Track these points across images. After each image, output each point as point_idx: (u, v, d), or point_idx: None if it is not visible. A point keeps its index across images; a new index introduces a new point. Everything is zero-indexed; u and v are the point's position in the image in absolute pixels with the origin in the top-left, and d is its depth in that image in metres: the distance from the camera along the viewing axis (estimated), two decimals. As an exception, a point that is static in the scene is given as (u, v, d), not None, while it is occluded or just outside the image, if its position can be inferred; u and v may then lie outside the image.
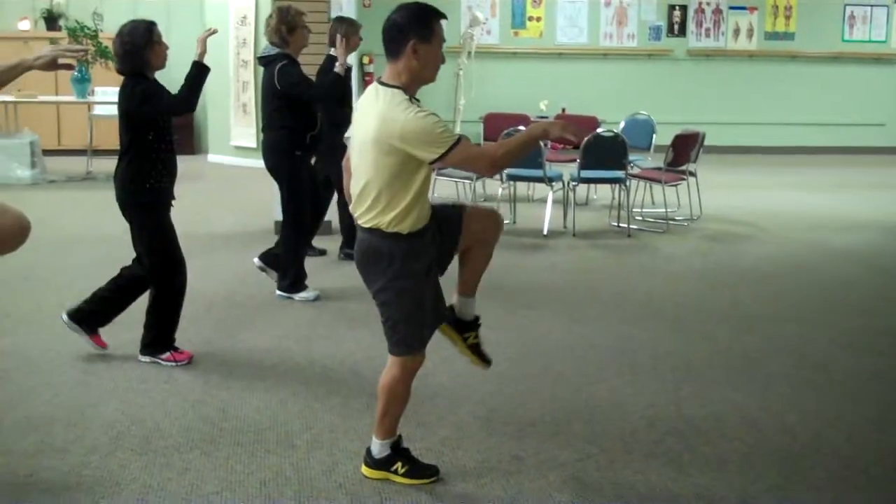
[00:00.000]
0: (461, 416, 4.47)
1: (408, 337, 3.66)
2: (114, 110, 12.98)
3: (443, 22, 3.53)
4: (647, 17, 15.62)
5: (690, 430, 4.36)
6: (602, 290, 6.92)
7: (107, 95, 11.73)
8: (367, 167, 3.49)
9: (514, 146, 3.54)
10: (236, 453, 4.01)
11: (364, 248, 3.62)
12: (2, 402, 4.53)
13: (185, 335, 5.45)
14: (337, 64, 6.45)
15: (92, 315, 5.13)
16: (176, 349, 5.12)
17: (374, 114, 3.45)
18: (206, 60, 5.06)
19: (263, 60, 6.32)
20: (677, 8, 15.66)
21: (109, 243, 7.81)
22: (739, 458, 4.09)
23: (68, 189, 11.00)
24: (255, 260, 6.67)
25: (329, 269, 7.24)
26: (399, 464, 3.78)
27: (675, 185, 9.50)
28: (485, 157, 3.50)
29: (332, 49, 7.09)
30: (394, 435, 3.81)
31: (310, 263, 6.70)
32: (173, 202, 5.07)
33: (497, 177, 9.21)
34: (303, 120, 6.28)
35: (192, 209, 9.74)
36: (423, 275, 3.64)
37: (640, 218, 9.55)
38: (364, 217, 3.57)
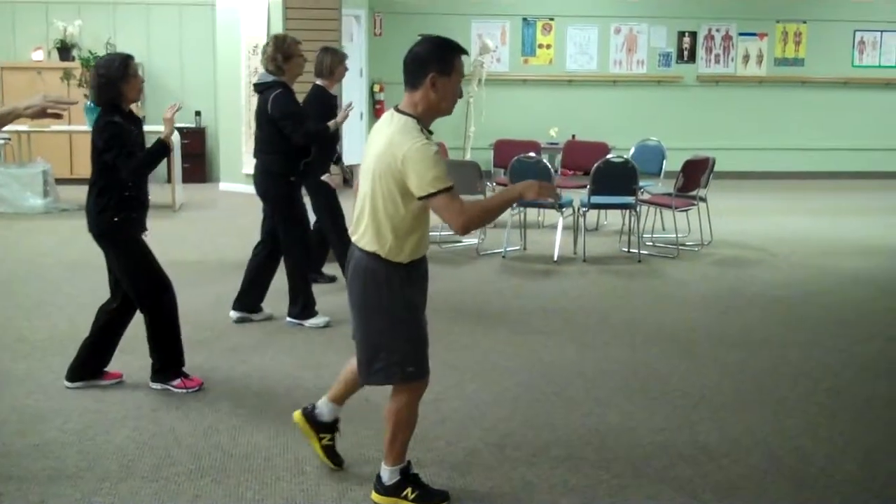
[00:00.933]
0: (472, 441, 4.46)
1: (416, 361, 3.67)
2: None
3: (463, 57, 3.60)
4: (657, 43, 15.68)
5: (702, 455, 4.34)
6: (612, 315, 6.92)
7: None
8: (368, 188, 3.55)
9: (490, 208, 3.56)
10: (247, 480, 4.01)
11: (361, 268, 3.63)
12: (14, 427, 4.54)
13: (196, 361, 5.47)
14: (332, 122, 6.55)
15: (88, 365, 5.15)
16: (186, 375, 5.13)
17: (384, 135, 3.52)
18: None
19: (259, 88, 6.34)
20: (687, 34, 15.71)
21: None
22: (752, 484, 4.07)
23: (80, 217, 10.91)
24: (231, 313, 6.55)
25: (339, 296, 7.24)
26: (409, 489, 3.78)
27: (686, 211, 9.50)
28: (462, 216, 3.46)
29: (319, 80, 7.15)
30: (403, 461, 3.82)
31: (319, 290, 6.71)
32: (146, 234, 5.10)
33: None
34: (297, 146, 6.28)
35: (203, 237, 9.80)
36: (419, 306, 3.71)
37: (650, 243, 9.55)
38: (362, 239, 3.61)
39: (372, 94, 14.80)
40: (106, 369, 5.19)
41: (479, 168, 9.11)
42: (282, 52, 6.22)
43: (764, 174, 15.66)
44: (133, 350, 5.37)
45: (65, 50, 13.75)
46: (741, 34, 15.84)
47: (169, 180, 12.22)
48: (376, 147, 3.53)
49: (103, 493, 3.86)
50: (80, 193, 11.34)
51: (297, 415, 4.11)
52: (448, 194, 3.43)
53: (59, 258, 7.36)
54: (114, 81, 4.82)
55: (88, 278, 7.45)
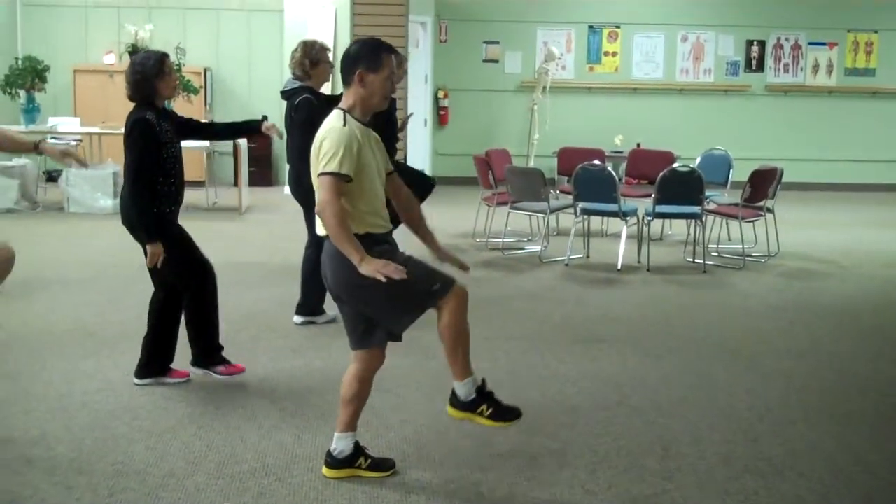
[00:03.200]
0: (533, 447, 4.45)
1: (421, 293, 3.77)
2: (194, 142, 13.21)
3: (394, 57, 3.88)
4: (725, 52, 15.53)
5: (767, 467, 4.29)
6: (676, 325, 6.86)
7: (188, 128, 12.01)
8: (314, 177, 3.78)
9: (341, 234, 3.61)
10: (310, 480, 4.04)
11: (326, 254, 3.84)
12: (84, 423, 4.64)
13: (260, 361, 5.55)
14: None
15: (154, 363, 5.24)
16: (228, 362, 5.25)
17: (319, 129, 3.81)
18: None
19: (285, 94, 6.36)
20: (755, 43, 15.55)
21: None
22: (817, 497, 4.01)
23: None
24: (295, 318, 6.59)
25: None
26: (362, 459, 4.00)
27: (753, 222, 9.39)
28: (329, 205, 3.61)
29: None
30: (353, 428, 3.98)
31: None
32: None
33: (571, 210, 9.21)
34: (308, 148, 6.20)
35: (267, 240, 9.92)
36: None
37: (716, 254, 9.45)
38: (320, 228, 3.79)
39: (436, 100, 14.86)
40: (172, 367, 5.28)
41: (542, 175, 9.10)
42: (309, 57, 6.25)
43: (832, 185, 15.42)
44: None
45: (135, 54, 13.96)
46: (811, 43, 15.63)
47: (236, 183, 12.39)
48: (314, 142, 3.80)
49: (170, 488, 3.92)
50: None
51: (449, 410, 4.01)
52: (331, 178, 3.62)
53: (128, 257, 7.46)
54: (149, 78, 4.94)
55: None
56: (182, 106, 11.53)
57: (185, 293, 5.18)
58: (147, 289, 5.28)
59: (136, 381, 5.21)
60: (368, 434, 4.44)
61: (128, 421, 4.68)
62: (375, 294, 3.69)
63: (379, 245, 3.79)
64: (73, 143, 12.51)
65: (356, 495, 3.91)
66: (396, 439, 4.52)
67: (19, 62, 11.96)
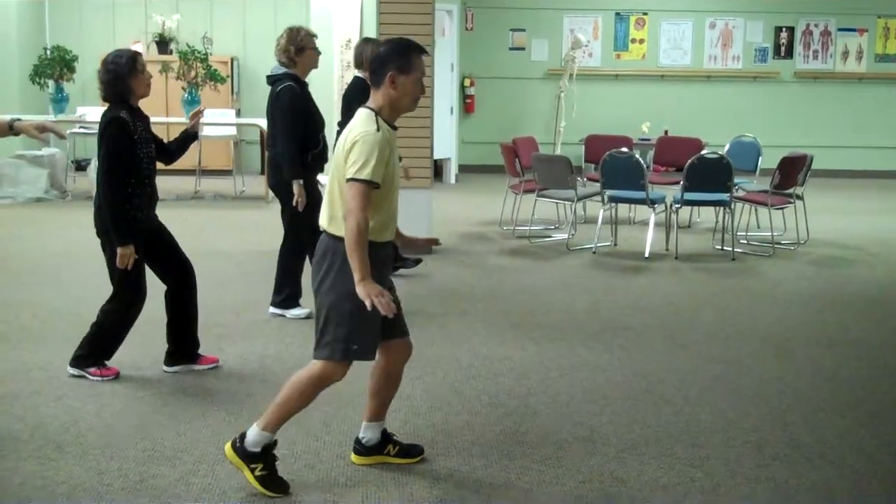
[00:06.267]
0: (562, 435, 4.45)
1: (361, 340, 3.74)
2: (221, 131, 13.19)
3: (424, 57, 3.78)
4: (753, 38, 15.39)
5: (798, 455, 4.27)
6: (705, 313, 6.82)
7: (215, 117, 12.05)
8: (333, 174, 3.72)
9: (359, 249, 3.55)
10: (339, 466, 4.06)
11: (326, 249, 3.76)
12: (115, 409, 4.68)
13: (290, 349, 5.57)
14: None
15: (181, 350, 5.28)
16: (104, 365, 5.14)
17: (348, 127, 3.73)
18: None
19: (270, 80, 6.29)
20: (784, 30, 15.41)
21: (219, 258, 8.03)
22: (848, 485, 3.99)
23: (177, 207, 11.25)
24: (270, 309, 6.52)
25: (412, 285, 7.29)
26: (260, 465, 3.79)
27: (782, 209, 9.32)
28: (360, 215, 3.53)
29: (359, 71, 7.06)
30: (275, 430, 3.83)
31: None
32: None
33: (598, 198, 9.18)
34: (305, 139, 6.15)
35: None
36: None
37: (744, 241, 9.39)
38: (329, 225, 3.74)
39: (462, 88, 14.82)
40: (201, 353, 5.32)
41: (569, 163, 9.06)
42: (294, 44, 6.14)
43: (862, 172, 15.26)
44: (227, 336, 5.46)
45: (163, 44, 14.05)
46: (840, 29, 15.46)
47: (262, 172, 12.42)
48: (342, 139, 3.72)
49: (200, 474, 3.95)
50: (178, 184, 11.66)
51: (354, 458, 4.10)
52: (363, 186, 3.55)
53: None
54: (122, 77, 4.91)
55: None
56: (209, 95, 11.59)
57: (113, 303, 5.10)
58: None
59: (166, 368, 5.25)
60: (397, 421, 4.46)
61: (158, 407, 4.72)
62: (346, 309, 3.67)
63: (384, 249, 3.81)
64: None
65: (385, 482, 3.93)
66: (425, 426, 4.53)
67: (48, 52, 12.04)
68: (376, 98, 3.74)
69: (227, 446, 3.85)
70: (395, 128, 3.77)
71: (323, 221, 3.79)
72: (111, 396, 4.86)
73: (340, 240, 3.65)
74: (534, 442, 4.36)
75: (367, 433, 4.06)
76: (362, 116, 3.70)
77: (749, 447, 4.35)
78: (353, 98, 6.73)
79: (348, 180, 3.57)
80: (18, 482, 3.86)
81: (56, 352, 5.46)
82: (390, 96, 3.70)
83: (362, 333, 3.74)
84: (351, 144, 3.61)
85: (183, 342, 5.29)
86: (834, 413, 4.84)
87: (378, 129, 3.62)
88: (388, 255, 3.93)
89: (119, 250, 4.89)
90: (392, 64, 3.68)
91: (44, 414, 4.60)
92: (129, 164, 4.94)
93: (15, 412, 4.61)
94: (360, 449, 4.09)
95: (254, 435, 3.80)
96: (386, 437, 4.10)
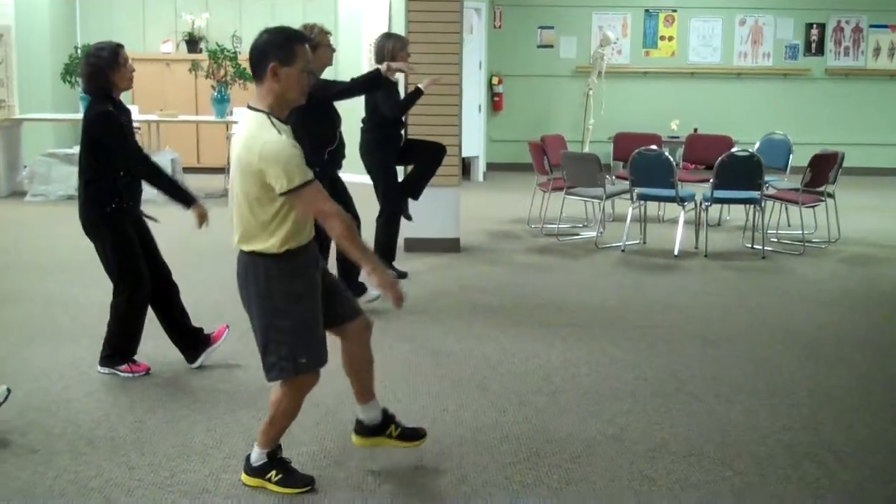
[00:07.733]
0: (591, 433, 4.43)
1: (307, 351, 3.67)
2: (214, 125, 13.08)
3: (307, 46, 3.58)
4: (784, 35, 15.27)
5: (829, 455, 4.23)
6: (735, 311, 6.78)
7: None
8: (237, 190, 3.54)
9: (356, 249, 3.52)
10: (367, 465, 4.06)
11: (243, 268, 3.65)
12: (146, 405, 4.71)
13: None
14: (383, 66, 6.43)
15: (190, 344, 5.31)
16: (134, 361, 5.18)
17: (241, 136, 3.52)
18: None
19: None
20: (815, 26, 15.27)
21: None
22: (880, 485, 3.95)
23: (206, 205, 11.34)
24: None
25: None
26: (273, 472, 3.80)
27: (813, 207, 9.24)
28: (337, 223, 3.45)
29: (379, 65, 7.07)
30: (273, 446, 3.84)
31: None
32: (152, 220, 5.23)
33: (627, 196, 9.15)
34: (321, 136, 6.16)
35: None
36: (303, 297, 3.63)
37: (775, 240, 9.32)
38: (240, 241, 3.60)
39: (490, 86, 14.81)
40: (207, 332, 5.35)
41: (598, 161, 9.03)
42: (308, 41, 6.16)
43: (894, 170, 15.11)
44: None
45: (192, 42, 14.14)
46: (872, 26, 15.30)
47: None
48: (236, 149, 3.52)
49: (230, 469, 3.97)
50: (208, 182, 11.73)
51: (355, 439, 4.09)
52: (307, 188, 3.41)
53: (186, 246, 7.57)
54: (104, 69, 4.90)
55: (213, 264, 7.63)
56: (238, 93, 11.62)
57: (117, 296, 5.12)
58: (203, 277, 5.34)
59: (191, 365, 5.27)
60: (426, 419, 4.46)
61: (188, 403, 4.75)
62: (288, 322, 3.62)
63: (308, 251, 3.68)
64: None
65: (413, 479, 3.93)
66: (453, 423, 4.53)
67: (79, 51, 12.13)
68: (262, 96, 3.51)
69: (242, 476, 3.87)
70: (287, 122, 3.56)
71: (234, 238, 3.63)
72: (142, 392, 4.89)
73: (255, 255, 3.56)
74: (562, 440, 4.35)
75: (365, 414, 4.03)
76: (255, 123, 3.48)
77: (780, 446, 4.32)
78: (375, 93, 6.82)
79: (288, 193, 3.39)
80: (52, 476, 3.90)
81: (87, 348, 5.49)
82: (275, 91, 3.48)
83: (306, 343, 3.66)
84: (258, 159, 3.39)
85: (184, 338, 5.32)
86: (865, 412, 4.79)
87: (279, 133, 3.43)
88: (314, 255, 3.75)
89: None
90: (272, 56, 3.46)
91: (75, 409, 4.64)
92: (122, 157, 4.96)
93: (48, 407, 4.66)
94: (361, 429, 4.05)
95: (256, 455, 3.84)
96: (387, 419, 4.05)
